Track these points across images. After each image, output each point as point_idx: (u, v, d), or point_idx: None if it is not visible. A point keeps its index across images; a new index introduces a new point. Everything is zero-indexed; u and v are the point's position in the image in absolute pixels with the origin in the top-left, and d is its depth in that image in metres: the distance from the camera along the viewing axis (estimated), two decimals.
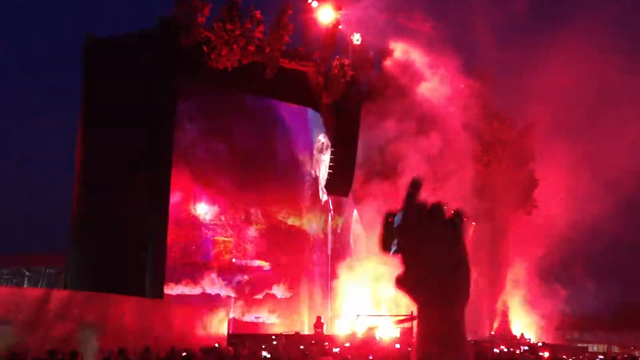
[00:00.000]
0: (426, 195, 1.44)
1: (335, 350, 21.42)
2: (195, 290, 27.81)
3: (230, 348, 18.49)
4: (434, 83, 31.34)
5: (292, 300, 30.51)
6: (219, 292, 28.49)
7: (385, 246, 1.44)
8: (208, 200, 28.84)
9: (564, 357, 23.99)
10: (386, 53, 32.23)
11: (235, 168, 29.54)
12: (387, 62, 31.85)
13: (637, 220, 34.75)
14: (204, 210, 28.71)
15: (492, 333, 34.36)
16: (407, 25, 31.56)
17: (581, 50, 29.84)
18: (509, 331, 34.08)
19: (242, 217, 29.75)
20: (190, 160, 28.30)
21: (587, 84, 30.91)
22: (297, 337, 25.42)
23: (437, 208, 1.42)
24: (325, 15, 30.62)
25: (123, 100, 25.34)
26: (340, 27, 31.49)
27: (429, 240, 1.39)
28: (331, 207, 33.01)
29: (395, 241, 1.42)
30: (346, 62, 31.20)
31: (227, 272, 28.91)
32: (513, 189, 33.15)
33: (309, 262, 31.56)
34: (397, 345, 23.93)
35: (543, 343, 29.95)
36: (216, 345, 19.80)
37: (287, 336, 25.42)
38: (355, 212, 33.22)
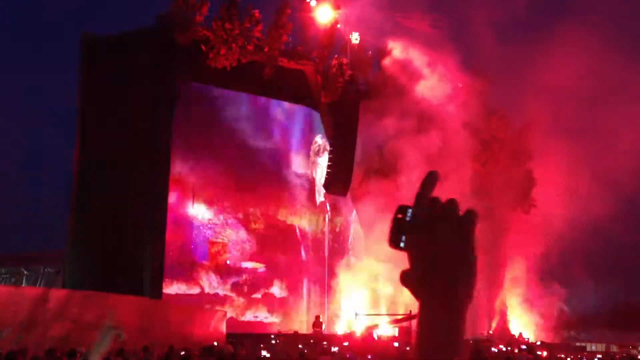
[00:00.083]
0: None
1: (334, 349, 21.43)
2: (194, 290, 27.80)
3: (229, 347, 18.48)
4: (433, 81, 31.34)
5: (291, 299, 30.50)
6: (217, 292, 28.49)
7: (395, 241, 1.42)
8: (206, 200, 28.82)
9: (561, 356, 24.02)
10: (385, 52, 32.23)
11: (233, 168, 29.52)
12: (386, 61, 31.85)
13: (637, 220, 34.76)
14: (201, 210, 28.70)
15: (491, 332, 34.38)
16: (406, 24, 31.57)
17: (580, 48, 29.83)
18: (508, 330, 34.10)
19: (240, 217, 29.74)
20: (189, 159, 28.27)
21: (586, 82, 30.91)
22: (296, 337, 25.43)
23: (451, 205, 1.40)
24: (324, 15, 30.63)
25: (121, 99, 25.34)
26: (338, 26, 31.50)
27: (440, 238, 1.37)
28: (329, 207, 33.01)
29: (404, 236, 1.41)
30: (345, 61, 31.21)
31: (225, 272, 28.90)
32: (511, 187, 33.16)
33: (307, 261, 31.57)
34: (396, 344, 23.95)
35: (541, 342, 29.97)
36: (215, 344, 19.81)
37: (285, 335, 25.44)
38: (353, 211, 33.22)
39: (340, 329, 28.81)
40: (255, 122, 30.33)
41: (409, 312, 25.43)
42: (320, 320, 27.68)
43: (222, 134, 29.34)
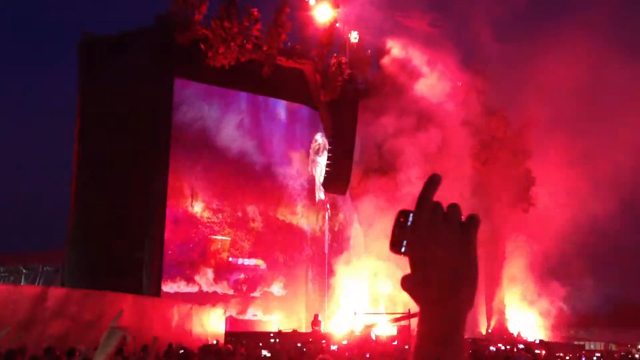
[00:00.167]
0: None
1: (333, 347, 21.44)
2: (193, 288, 27.80)
3: (228, 346, 18.48)
4: (432, 80, 31.35)
5: (290, 298, 30.51)
6: (217, 290, 28.49)
7: (396, 246, 1.41)
8: (205, 198, 28.82)
9: (560, 354, 24.03)
10: (384, 51, 32.24)
11: (232, 166, 29.51)
12: (385, 60, 31.85)
13: (636, 219, 34.79)
14: (201, 208, 28.70)
15: (489, 331, 34.40)
16: (405, 23, 31.58)
17: (580, 46, 29.84)
18: (506, 329, 34.12)
19: (240, 215, 29.74)
20: (188, 158, 28.26)
21: (585, 81, 30.91)
22: (295, 335, 25.43)
23: (454, 210, 1.40)
24: (323, 13, 30.64)
25: (120, 98, 25.33)
26: (337, 25, 31.51)
27: (441, 243, 1.37)
28: (328, 205, 33.02)
29: (406, 241, 1.40)
30: (344, 60, 31.23)
31: (224, 270, 28.90)
32: (510, 186, 33.17)
33: (306, 260, 31.57)
34: (395, 342, 23.97)
35: (540, 341, 29.99)
36: (214, 342, 19.81)
37: (284, 334, 25.44)
38: (352, 209, 33.22)
39: (339, 327, 28.80)
40: (254, 120, 30.31)
41: (408, 310, 25.43)
42: (319, 319, 27.68)
43: (222, 133, 29.33)
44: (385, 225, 27.54)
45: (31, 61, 57.94)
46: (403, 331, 25.73)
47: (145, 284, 24.24)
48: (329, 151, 31.59)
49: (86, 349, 11.04)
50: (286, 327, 27.47)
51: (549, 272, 34.31)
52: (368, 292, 30.77)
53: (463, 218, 1.40)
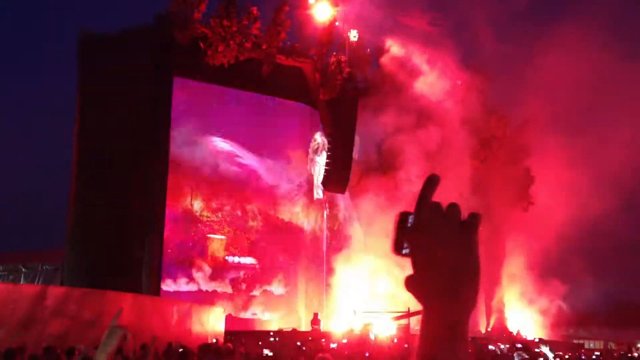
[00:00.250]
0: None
1: (333, 345, 21.44)
2: (192, 287, 27.80)
3: (228, 344, 18.48)
4: (432, 78, 31.37)
5: (289, 297, 30.51)
6: (216, 289, 28.49)
7: (398, 247, 1.41)
8: (204, 197, 28.81)
9: (559, 353, 24.02)
10: (383, 50, 32.25)
11: (232, 165, 29.51)
12: (384, 59, 31.87)
13: (636, 217, 34.81)
14: (200, 207, 28.70)
15: (489, 330, 34.43)
16: (405, 22, 31.58)
17: (579, 45, 29.85)
18: (506, 328, 34.14)
19: (239, 214, 29.74)
20: (187, 156, 28.26)
21: (585, 80, 30.92)
22: (295, 334, 25.44)
23: (454, 209, 1.39)
24: (322, 12, 30.64)
25: (119, 96, 25.32)
26: (337, 23, 31.51)
27: (443, 242, 1.36)
28: (327, 204, 33.01)
29: (407, 242, 1.39)
30: (343, 58, 31.23)
31: (223, 269, 28.91)
32: (509, 185, 33.19)
33: (306, 259, 31.56)
34: (395, 341, 23.96)
35: (540, 339, 30.00)
36: (214, 341, 19.80)
37: (284, 333, 25.45)
38: (352, 208, 33.23)
39: (338, 326, 28.81)
40: (253, 119, 30.29)
41: (407, 309, 25.45)
42: (319, 317, 27.69)
43: (221, 132, 29.32)
44: (384, 224, 27.55)
45: (31, 60, 57.90)
46: (403, 330, 25.74)
47: (145, 283, 24.24)
48: (329, 150, 31.59)
49: (86, 348, 11.05)
50: (286, 326, 27.49)
51: (548, 271, 34.36)
52: (367, 290, 30.78)
53: (463, 217, 1.39)
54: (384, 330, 26.62)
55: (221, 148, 29.31)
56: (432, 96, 31.02)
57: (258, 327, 28.33)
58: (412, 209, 1.39)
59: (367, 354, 17.70)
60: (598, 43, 29.75)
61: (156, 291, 24.64)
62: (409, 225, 1.38)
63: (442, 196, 1.40)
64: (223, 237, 29.13)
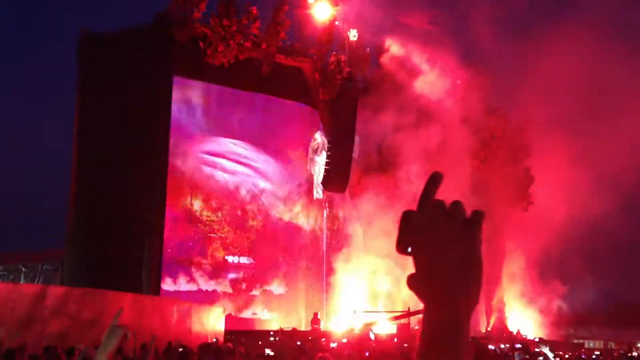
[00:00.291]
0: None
1: (333, 345, 21.44)
2: (192, 287, 27.79)
3: (228, 344, 18.48)
4: (432, 77, 31.36)
5: (289, 296, 30.50)
6: (216, 289, 28.48)
7: (402, 245, 1.40)
8: (204, 196, 28.80)
9: (560, 353, 24.02)
10: (383, 49, 32.25)
11: (231, 164, 29.51)
12: (384, 58, 31.86)
13: (636, 217, 34.81)
14: (200, 206, 28.68)
15: (489, 329, 34.43)
16: (404, 21, 31.58)
17: (580, 44, 29.84)
18: (506, 327, 34.15)
19: (239, 214, 29.74)
20: (187, 156, 28.24)
21: (585, 79, 30.92)
22: (294, 333, 25.44)
23: (457, 207, 1.38)
24: (322, 12, 30.64)
25: (119, 96, 25.31)
26: (336, 23, 31.51)
27: (445, 240, 1.34)
28: (326, 204, 32.99)
29: (412, 241, 1.39)
30: (343, 58, 31.23)
31: (223, 269, 28.90)
32: (509, 185, 33.19)
33: (306, 258, 31.55)
34: (394, 340, 23.97)
35: (540, 339, 30.01)
36: (214, 340, 19.80)
37: (284, 332, 25.45)
38: (352, 207, 33.22)
39: (338, 326, 28.81)
40: (253, 119, 30.28)
41: (407, 309, 25.45)
42: (319, 317, 27.69)
43: (220, 131, 29.31)
44: (384, 223, 27.57)
45: (30, 59, 57.87)
46: (402, 329, 25.74)
47: (145, 282, 24.23)
48: (328, 149, 31.58)
49: (86, 347, 11.05)
50: (285, 326, 27.49)
51: (548, 271, 34.40)
52: (367, 290, 30.79)
53: (467, 215, 1.39)
54: (384, 329, 26.62)
55: (221, 147, 29.29)
56: (432, 95, 31.02)
57: (258, 327, 28.33)
58: (414, 207, 1.39)
59: (367, 354, 17.70)
60: (598, 43, 29.76)
61: (156, 291, 24.64)
62: (412, 223, 1.38)
63: (442, 196, 1.40)
64: (225, 235, 29.12)
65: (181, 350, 14.01)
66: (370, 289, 30.72)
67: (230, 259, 29.25)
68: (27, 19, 60.44)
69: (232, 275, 29.10)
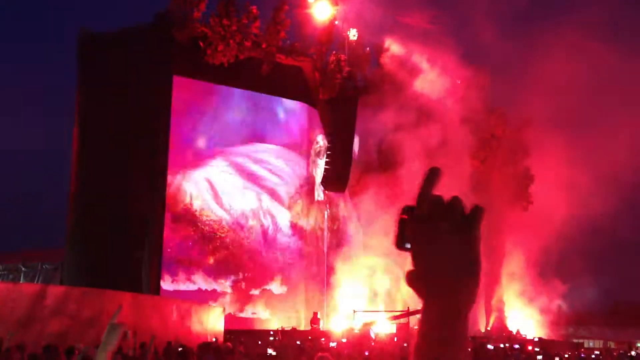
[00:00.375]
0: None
1: (332, 344, 21.44)
2: (192, 286, 27.79)
3: (228, 344, 18.48)
4: (432, 76, 31.36)
5: (289, 296, 30.50)
6: (215, 288, 28.48)
7: (400, 242, 1.39)
8: (204, 195, 28.79)
9: (560, 352, 24.02)
10: (383, 48, 32.24)
11: (231, 164, 29.50)
12: (384, 58, 31.86)
13: (635, 217, 34.81)
14: (200, 205, 28.67)
15: (488, 329, 34.44)
16: (404, 21, 31.57)
17: (580, 44, 29.83)
18: (505, 327, 34.15)
19: (239, 213, 29.72)
20: (187, 154, 28.24)
21: (585, 78, 30.90)
22: (294, 333, 25.45)
23: (455, 203, 1.38)
24: (322, 11, 30.62)
25: (119, 95, 25.30)
26: (336, 22, 31.50)
27: (444, 236, 1.34)
28: (327, 204, 32.98)
29: (410, 237, 1.38)
30: (343, 57, 31.22)
31: (223, 268, 28.89)
32: (509, 184, 33.20)
33: (306, 258, 31.55)
34: (395, 339, 23.97)
35: (539, 339, 30.01)
36: (214, 340, 19.81)
37: (284, 332, 25.45)
38: (352, 207, 33.21)
39: (338, 325, 28.81)
40: (253, 118, 30.29)
41: (407, 308, 25.44)
42: (318, 316, 27.69)
43: (220, 131, 29.30)
44: (384, 223, 27.56)
45: (30, 59, 57.87)
46: (402, 329, 25.73)
47: (145, 282, 24.23)
48: (328, 149, 31.57)
49: (85, 347, 11.03)
50: (285, 325, 27.50)
51: (548, 270, 34.39)
52: (367, 289, 30.78)
53: (466, 210, 1.38)
54: (384, 329, 26.62)
55: (221, 147, 29.29)
56: (432, 94, 31.02)
57: (258, 327, 28.33)
58: (413, 203, 1.38)
59: (366, 353, 17.70)
60: (599, 42, 29.75)
61: (156, 290, 24.63)
62: (410, 219, 1.37)
63: (443, 195, 1.39)
64: (225, 234, 29.11)
65: (180, 350, 14.02)
66: (370, 288, 30.72)
67: (229, 258, 29.23)
68: (27, 19, 60.42)
69: (232, 275, 29.09)
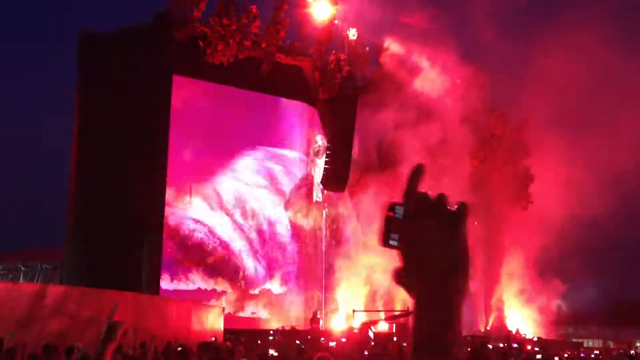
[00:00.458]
0: (424, 190, 1.41)
1: (332, 344, 21.45)
2: (191, 286, 27.79)
3: (227, 343, 18.48)
4: (432, 75, 31.35)
5: (288, 295, 30.51)
6: (215, 288, 28.48)
7: (385, 239, 1.39)
8: (203, 196, 28.80)
9: (559, 352, 24.03)
10: (382, 48, 32.23)
11: (231, 164, 29.50)
12: (384, 57, 31.85)
13: (635, 216, 34.82)
14: (199, 205, 28.66)
15: (488, 328, 34.43)
16: (404, 20, 31.55)
17: (580, 42, 29.82)
18: (505, 326, 34.15)
19: (238, 213, 29.72)
20: (187, 155, 28.23)
21: (585, 78, 30.90)
22: (294, 333, 25.45)
23: (441, 200, 1.38)
24: (322, 11, 30.59)
25: (119, 95, 25.30)
26: (336, 22, 31.48)
27: (431, 233, 1.34)
28: (326, 203, 32.97)
29: (396, 234, 1.38)
30: (342, 57, 31.19)
31: (222, 268, 28.88)
32: (509, 184, 33.20)
33: (305, 258, 31.55)
34: (394, 339, 23.96)
35: (538, 338, 30.01)
36: (213, 339, 19.81)
37: (283, 331, 25.44)
38: (351, 206, 33.20)
39: (337, 325, 28.82)
40: (253, 118, 30.28)
41: (406, 308, 25.43)
42: (318, 316, 27.69)
43: (220, 130, 29.29)
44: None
45: (30, 59, 57.85)
46: (401, 328, 25.72)
47: (144, 281, 24.22)
48: (328, 149, 31.55)
49: (85, 346, 11.05)
50: (285, 325, 27.50)
51: (547, 270, 34.38)
52: (366, 289, 30.77)
53: (452, 207, 1.38)
54: (383, 328, 26.61)
55: (221, 147, 29.28)
56: (432, 93, 31.02)
57: (257, 326, 28.33)
58: (399, 200, 1.38)
59: (365, 353, 17.72)
60: (599, 41, 29.74)
61: (155, 290, 24.63)
62: (396, 216, 1.37)
63: (434, 193, 1.39)
64: (224, 236, 29.11)
65: (180, 349, 14.02)
66: (370, 288, 30.71)
67: (229, 258, 29.23)
68: (27, 19, 60.40)
69: (231, 274, 29.08)
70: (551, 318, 34.87)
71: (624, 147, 31.19)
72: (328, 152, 31.45)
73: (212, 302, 26.88)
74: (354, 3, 31.25)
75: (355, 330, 25.68)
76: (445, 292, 1.34)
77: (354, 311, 28.34)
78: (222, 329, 22.94)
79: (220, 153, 29.31)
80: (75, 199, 26.18)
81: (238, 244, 29.54)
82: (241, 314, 28.97)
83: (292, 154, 31.55)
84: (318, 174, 32.30)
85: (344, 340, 23.46)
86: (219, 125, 29.26)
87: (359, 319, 27.39)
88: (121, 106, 25.19)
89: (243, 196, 29.85)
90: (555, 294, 34.51)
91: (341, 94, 31.15)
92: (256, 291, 29.66)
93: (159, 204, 25.74)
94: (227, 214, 29.35)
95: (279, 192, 31.07)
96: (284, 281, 30.49)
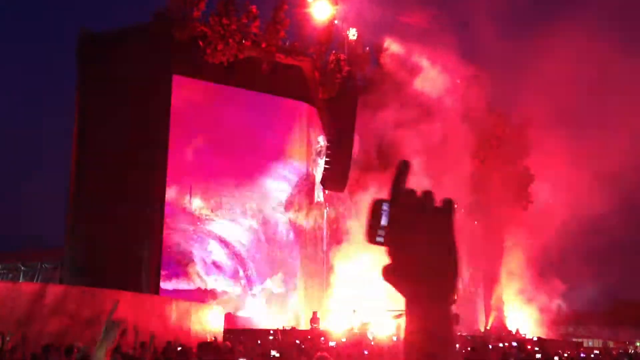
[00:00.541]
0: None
1: (332, 344, 21.43)
2: (191, 286, 27.79)
3: (227, 343, 18.47)
4: (432, 74, 31.36)
5: (288, 295, 30.51)
6: (215, 287, 28.48)
7: (371, 235, 1.39)
8: (203, 195, 28.80)
9: (559, 351, 24.02)
10: (382, 48, 32.25)
11: (231, 163, 29.49)
12: (384, 57, 31.86)
13: (635, 216, 34.79)
14: (199, 204, 28.68)
15: (487, 328, 34.43)
16: (404, 20, 31.56)
17: (580, 42, 29.81)
18: (505, 326, 34.15)
19: (238, 212, 29.72)
20: (186, 155, 28.23)
21: (585, 78, 30.89)
22: (293, 332, 25.44)
23: (427, 196, 1.37)
24: (322, 11, 30.61)
25: (118, 95, 25.32)
26: (336, 22, 31.49)
27: (418, 230, 1.34)
28: (326, 203, 32.98)
29: (383, 231, 1.37)
30: (342, 57, 31.20)
31: (222, 267, 28.89)
32: (509, 184, 33.18)
33: (305, 257, 31.55)
34: (394, 338, 23.95)
35: (538, 338, 29.99)
36: (213, 339, 19.80)
37: (283, 331, 25.43)
38: (351, 206, 33.19)
39: (337, 325, 28.79)
40: (253, 118, 30.27)
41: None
42: (318, 316, 27.68)
43: (220, 130, 29.29)
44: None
45: (30, 59, 57.84)
46: (400, 328, 25.69)
47: (144, 281, 24.24)
48: (328, 149, 31.55)
49: (84, 346, 11.04)
50: (285, 324, 27.50)
51: (547, 269, 34.37)
52: (367, 289, 30.74)
53: (438, 204, 1.37)
54: (383, 328, 26.61)
55: (221, 147, 29.27)
56: (432, 92, 31.02)
57: (257, 326, 28.32)
58: (387, 196, 1.38)
59: (365, 352, 17.71)
60: (600, 41, 29.72)
61: (155, 290, 24.64)
62: (382, 212, 1.36)
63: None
64: (224, 235, 29.11)
65: (180, 349, 14.02)
66: (370, 287, 30.68)
67: (229, 258, 29.23)
68: (27, 19, 60.40)
69: (231, 274, 29.09)
70: (551, 318, 34.86)
71: (624, 147, 31.17)
72: (328, 151, 31.45)
73: (212, 302, 26.86)
74: (354, 3, 31.26)
75: (355, 330, 25.68)
76: (434, 290, 1.33)
77: (354, 311, 28.33)
78: (222, 328, 22.94)
79: (220, 153, 29.30)
80: (75, 199, 26.19)
81: (238, 244, 29.55)
82: (241, 314, 28.97)
83: (292, 154, 31.54)
84: (319, 174, 32.31)
85: (344, 340, 23.45)
86: (219, 125, 29.26)
87: (359, 319, 27.38)
88: (121, 106, 25.21)
89: (243, 196, 29.85)
90: (555, 293, 34.49)
91: (341, 94, 31.15)
92: (256, 291, 29.67)
93: (159, 204, 25.74)
94: (227, 214, 29.34)
95: (280, 192, 31.06)
96: (285, 281, 30.49)
